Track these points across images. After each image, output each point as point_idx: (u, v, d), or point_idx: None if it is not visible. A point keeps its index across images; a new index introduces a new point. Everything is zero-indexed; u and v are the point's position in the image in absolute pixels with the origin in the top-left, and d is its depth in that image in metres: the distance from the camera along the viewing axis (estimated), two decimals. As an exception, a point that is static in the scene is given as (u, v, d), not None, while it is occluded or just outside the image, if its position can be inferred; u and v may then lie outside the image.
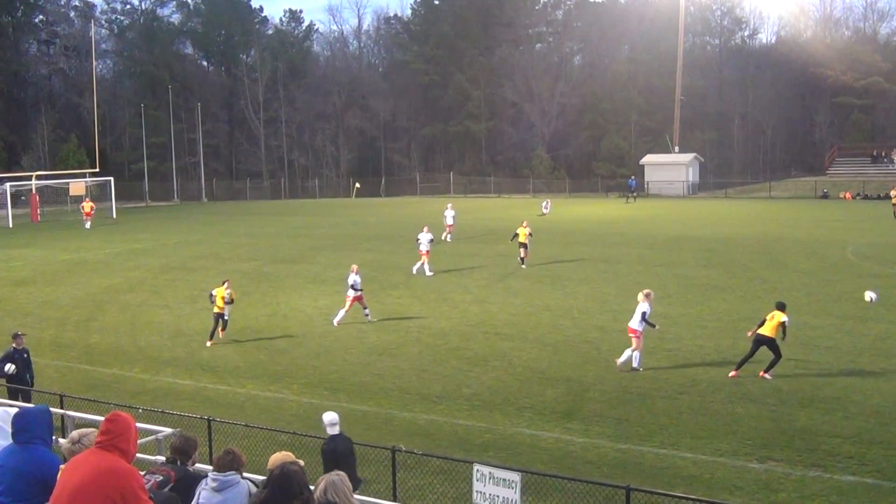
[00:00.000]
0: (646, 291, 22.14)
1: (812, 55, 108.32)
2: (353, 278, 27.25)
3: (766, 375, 20.53)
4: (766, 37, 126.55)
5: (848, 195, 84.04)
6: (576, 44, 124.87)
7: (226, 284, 25.83)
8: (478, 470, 11.98)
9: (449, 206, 51.57)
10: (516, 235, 39.61)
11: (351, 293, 27.31)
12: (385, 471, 13.78)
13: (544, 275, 37.01)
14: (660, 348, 23.71)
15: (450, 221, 49.68)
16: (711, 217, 64.89)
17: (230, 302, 25.58)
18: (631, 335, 21.70)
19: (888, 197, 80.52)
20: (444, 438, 17.29)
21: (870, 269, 37.22)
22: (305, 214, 75.97)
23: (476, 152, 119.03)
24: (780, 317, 20.48)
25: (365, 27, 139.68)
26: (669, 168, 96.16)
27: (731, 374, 20.89)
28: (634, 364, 21.65)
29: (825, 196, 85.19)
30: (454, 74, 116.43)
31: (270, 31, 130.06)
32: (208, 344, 25.34)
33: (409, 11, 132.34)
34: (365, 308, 27.83)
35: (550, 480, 13.39)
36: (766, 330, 20.49)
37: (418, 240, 37.79)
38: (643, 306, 21.57)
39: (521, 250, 39.18)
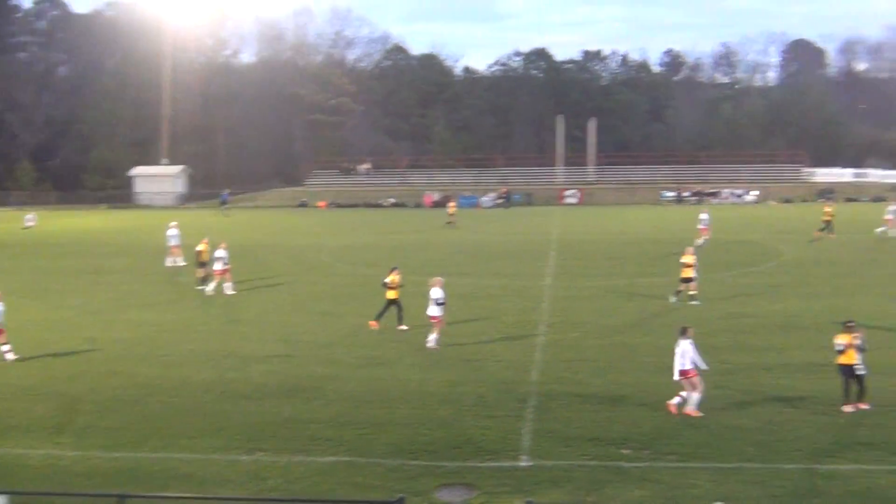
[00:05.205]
0: (434, 279, 23.61)
1: (289, 76, 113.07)
2: None
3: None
4: (247, 57, 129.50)
5: (323, 204, 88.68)
6: (61, 54, 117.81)
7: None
8: (-44, 499, 10.83)
9: (173, 224, 41.37)
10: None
11: None
12: None
13: (31, 288, 34.44)
14: (152, 354, 23.20)
15: (174, 243, 40.56)
16: (202, 226, 64.75)
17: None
18: (432, 321, 23.30)
19: (357, 205, 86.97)
20: (-82, 469, 15.33)
21: (343, 269, 39.63)
22: None
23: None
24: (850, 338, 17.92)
25: None
26: (159, 179, 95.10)
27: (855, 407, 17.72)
28: (432, 344, 23.16)
29: (304, 205, 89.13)
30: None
31: None
32: (373, 325, 25.53)
33: None
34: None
35: (40, 499, 12.47)
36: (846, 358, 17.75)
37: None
38: (435, 292, 23.09)
39: (200, 270, 34.09)
